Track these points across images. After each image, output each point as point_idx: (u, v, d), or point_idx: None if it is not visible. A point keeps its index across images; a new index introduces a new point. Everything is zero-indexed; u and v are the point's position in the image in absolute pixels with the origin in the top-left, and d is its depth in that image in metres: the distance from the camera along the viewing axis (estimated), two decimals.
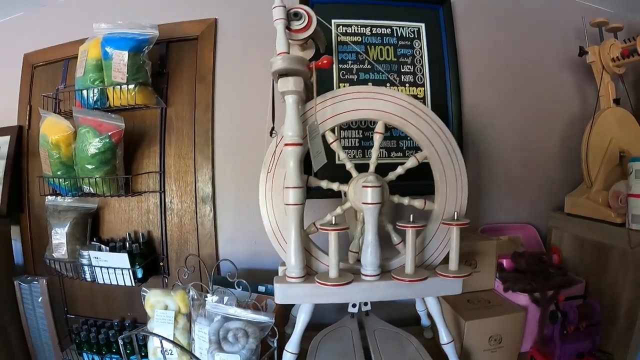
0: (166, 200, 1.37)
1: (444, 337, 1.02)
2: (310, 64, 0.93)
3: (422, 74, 1.39)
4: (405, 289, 0.95)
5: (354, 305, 1.19)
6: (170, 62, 1.36)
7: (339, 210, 1.02)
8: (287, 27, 0.97)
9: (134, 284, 1.28)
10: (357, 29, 1.38)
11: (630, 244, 1.11)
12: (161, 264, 1.38)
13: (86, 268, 1.29)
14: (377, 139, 1.02)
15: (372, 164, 1.02)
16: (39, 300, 1.33)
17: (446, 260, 0.99)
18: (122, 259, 1.26)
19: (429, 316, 1.23)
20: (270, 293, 1.15)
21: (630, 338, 1.10)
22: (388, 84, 1.38)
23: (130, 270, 1.27)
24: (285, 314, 1.22)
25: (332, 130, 1.01)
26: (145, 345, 1.17)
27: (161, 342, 1.01)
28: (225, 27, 1.37)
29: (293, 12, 0.98)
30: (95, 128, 1.21)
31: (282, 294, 0.94)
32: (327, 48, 1.26)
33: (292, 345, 1.00)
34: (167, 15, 1.36)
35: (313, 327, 1.20)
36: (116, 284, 1.29)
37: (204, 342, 1.03)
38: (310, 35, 1.03)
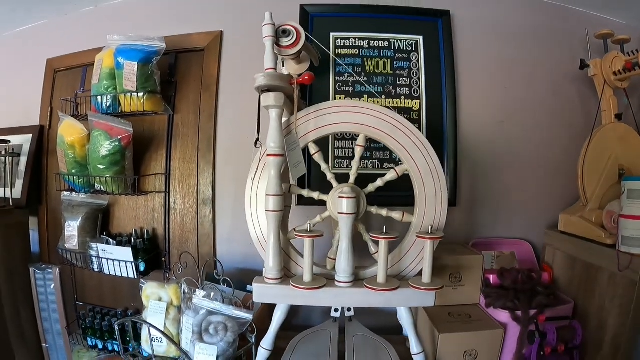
0: (170, 200, 1.47)
1: (414, 347, 1.06)
2: (292, 80, 0.98)
3: (419, 87, 1.43)
4: (376, 297, 0.99)
5: (336, 310, 1.23)
6: (178, 72, 1.47)
7: (318, 219, 1.08)
8: (277, 44, 1.03)
9: (136, 277, 1.37)
10: (355, 42, 1.44)
11: (619, 267, 1.09)
12: (163, 259, 1.47)
13: (94, 259, 1.41)
14: (358, 151, 1.07)
15: (352, 175, 1.07)
16: (52, 287, 1.46)
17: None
18: (126, 253, 1.37)
19: None
20: None
21: None
22: (383, 96, 1.41)
23: (133, 264, 1.37)
24: (270, 313, 1.27)
25: (315, 142, 1.05)
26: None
27: (149, 330, 1.10)
28: (229, 39, 1.46)
29: (282, 29, 1.04)
30: (107, 132, 1.32)
31: (259, 293, 1.01)
32: (321, 61, 1.31)
33: (266, 342, 1.06)
34: (177, 27, 1.47)
35: (300, 329, 1.26)
36: (120, 275, 1.39)
37: (190, 333, 1.11)
38: (300, 51, 1.09)
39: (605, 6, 1.55)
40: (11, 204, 1.48)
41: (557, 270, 1.39)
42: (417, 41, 1.45)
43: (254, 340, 1.10)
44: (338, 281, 1.00)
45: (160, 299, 1.22)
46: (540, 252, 1.48)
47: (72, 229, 1.41)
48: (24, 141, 1.56)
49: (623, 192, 1.13)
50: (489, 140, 1.48)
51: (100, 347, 1.43)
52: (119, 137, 1.32)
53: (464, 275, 1.28)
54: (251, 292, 1.29)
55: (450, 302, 1.28)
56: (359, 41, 1.43)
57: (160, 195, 1.47)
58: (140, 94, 1.32)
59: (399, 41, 1.45)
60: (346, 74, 1.40)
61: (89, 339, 1.44)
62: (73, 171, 1.38)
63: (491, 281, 1.29)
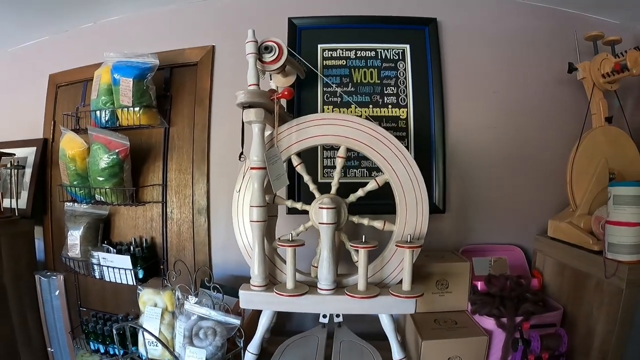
0: (167, 210, 1.55)
1: (395, 353, 1.10)
2: (272, 95, 1.03)
3: (406, 95, 1.47)
4: (356, 304, 1.04)
5: (324, 316, 1.28)
6: (173, 86, 1.55)
7: (301, 228, 1.12)
8: (260, 59, 1.08)
9: (135, 283, 1.44)
10: (342, 53, 1.49)
11: (605, 274, 1.10)
12: (161, 267, 1.53)
13: (96, 267, 1.48)
14: (339, 162, 1.12)
15: (334, 185, 1.12)
16: (56, 293, 1.54)
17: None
18: (125, 261, 1.44)
19: (399, 332, 1.29)
20: None
21: None
22: (370, 106, 1.45)
23: (132, 271, 1.44)
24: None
25: (298, 154, 1.10)
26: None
27: (143, 334, 1.16)
28: (221, 54, 1.53)
29: (264, 45, 1.10)
30: (106, 145, 1.40)
31: (245, 299, 1.07)
32: (308, 72, 1.36)
33: (252, 346, 1.12)
34: (171, 43, 1.55)
35: (292, 334, 1.31)
36: (121, 282, 1.46)
37: (182, 337, 1.17)
38: (284, 65, 1.14)
39: (596, 6, 1.55)
40: (17, 214, 1.57)
41: (547, 276, 1.40)
42: (403, 50, 1.49)
43: (242, 344, 1.15)
44: (320, 289, 1.05)
45: (155, 305, 1.29)
46: (532, 258, 1.48)
47: (74, 238, 1.49)
48: (28, 153, 1.66)
49: (609, 198, 1.14)
50: (478, 146, 1.51)
51: (102, 351, 1.50)
52: (117, 151, 1.39)
53: (451, 282, 1.31)
54: None
55: (436, 308, 1.31)
56: (346, 52, 1.48)
57: (158, 205, 1.54)
58: (137, 109, 1.39)
59: (385, 50, 1.49)
60: (334, 85, 1.44)
61: (91, 343, 1.52)
62: (75, 183, 1.46)
63: (478, 288, 1.31)
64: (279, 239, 1.11)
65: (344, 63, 1.47)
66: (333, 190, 1.12)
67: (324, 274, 1.04)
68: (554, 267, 1.37)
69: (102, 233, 1.56)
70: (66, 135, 1.45)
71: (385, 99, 1.46)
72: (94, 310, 1.58)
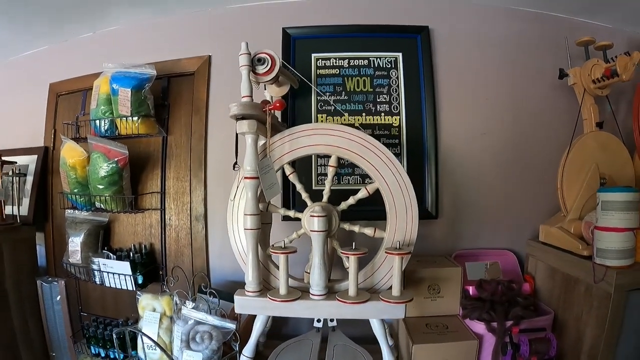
0: (166, 217, 1.61)
1: (386, 357, 1.14)
2: (264, 107, 1.08)
3: (398, 103, 1.52)
4: (347, 309, 1.09)
5: (318, 321, 1.32)
6: (171, 95, 1.61)
7: (294, 235, 1.17)
8: (254, 71, 1.13)
9: (134, 289, 1.49)
10: (336, 62, 1.54)
11: (594, 279, 1.14)
12: (160, 272, 1.58)
13: (96, 272, 1.54)
14: (331, 171, 1.17)
15: (325, 194, 1.17)
16: (58, 298, 1.60)
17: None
18: (125, 267, 1.50)
19: (392, 336, 1.33)
20: None
21: None
22: (363, 114, 1.49)
23: (132, 277, 1.49)
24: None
25: (290, 163, 1.15)
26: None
27: (142, 338, 1.21)
28: (217, 63, 1.59)
29: (257, 58, 1.15)
30: (105, 154, 1.45)
31: (240, 305, 1.12)
32: (303, 82, 1.41)
33: (247, 350, 1.17)
34: (169, 53, 1.61)
35: (289, 338, 1.35)
36: (120, 287, 1.51)
37: (179, 341, 1.22)
38: (277, 76, 1.18)
39: (588, 11, 1.59)
40: (18, 221, 1.64)
41: (539, 280, 1.44)
42: (396, 58, 1.54)
43: (237, 348, 1.20)
44: (312, 294, 1.10)
45: (154, 310, 1.35)
46: (524, 263, 1.52)
47: (75, 244, 1.55)
48: (29, 161, 1.73)
49: (598, 203, 1.18)
50: (471, 152, 1.56)
51: (103, 355, 1.55)
52: (116, 159, 1.45)
53: (443, 286, 1.35)
54: None
55: (429, 313, 1.35)
56: (339, 61, 1.53)
57: (157, 212, 1.60)
58: (135, 118, 1.45)
59: (378, 59, 1.54)
60: (327, 94, 1.49)
61: (92, 347, 1.57)
62: (75, 190, 1.52)
63: (470, 292, 1.35)
64: (273, 246, 1.15)
65: (337, 72, 1.52)
66: (325, 198, 1.16)
67: (316, 279, 1.08)
68: (545, 271, 1.42)
69: (102, 239, 1.62)
70: (67, 144, 1.51)
71: (378, 107, 1.51)
72: (95, 315, 1.64)
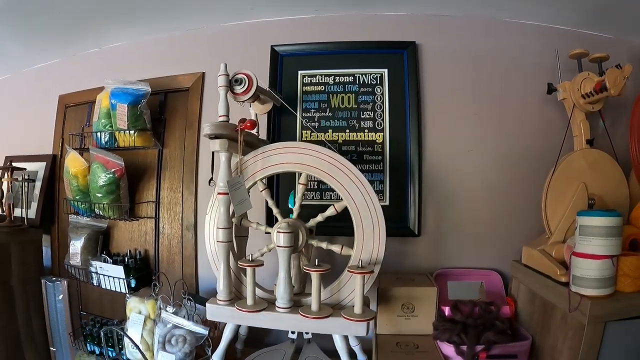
0: (159, 225, 1.75)
1: None
2: (236, 127, 1.17)
3: (382, 119, 1.59)
4: (309, 323, 1.16)
5: (293, 332, 1.40)
6: (167, 110, 1.77)
7: (265, 249, 1.26)
8: (232, 91, 1.23)
9: (127, 292, 1.62)
10: (321, 79, 1.64)
11: (569, 307, 1.12)
12: (153, 277, 1.71)
13: (94, 275, 1.69)
14: (300, 189, 1.25)
15: (295, 210, 1.26)
16: (60, 297, 1.77)
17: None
18: (119, 271, 1.63)
19: (364, 352, 1.39)
20: None
21: None
22: (347, 130, 1.57)
23: (125, 280, 1.62)
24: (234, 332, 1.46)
25: (262, 180, 1.23)
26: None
27: (123, 338, 1.34)
28: (210, 80, 1.72)
29: (234, 78, 1.25)
30: (104, 164, 1.60)
31: (211, 312, 1.23)
32: (289, 98, 1.51)
33: (217, 356, 1.29)
34: (167, 69, 1.76)
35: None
36: (115, 290, 1.64)
37: (157, 342, 1.33)
38: (257, 95, 1.28)
39: (586, 23, 1.59)
40: (26, 224, 1.82)
41: (521, 304, 1.44)
42: (381, 74, 1.61)
43: (210, 353, 1.30)
44: (277, 306, 1.17)
45: (140, 312, 1.47)
46: (509, 284, 1.53)
47: (75, 247, 1.71)
48: (39, 168, 1.92)
49: (576, 227, 1.15)
50: (457, 169, 1.60)
51: (97, 352, 1.70)
52: (113, 170, 1.60)
53: (417, 305, 1.39)
54: None
55: (402, 331, 1.40)
56: (325, 77, 1.62)
57: (151, 221, 1.75)
58: (132, 132, 1.58)
59: (363, 75, 1.62)
60: (312, 110, 1.57)
61: (88, 345, 1.72)
62: (77, 197, 1.68)
63: (446, 313, 1.37)
64: (244, 258, 1.25)
65: (323, 89, 1.61)
66: (294, 215, 1.25)
67: (281, 293, 1.17)
68: (526, 295, 1.41)
69: (101, 244, 1.78)
70: (70, 154, 1.67)
71: (362, 123, 1.59)
72: (93, 315, 1.79)
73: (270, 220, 1.56)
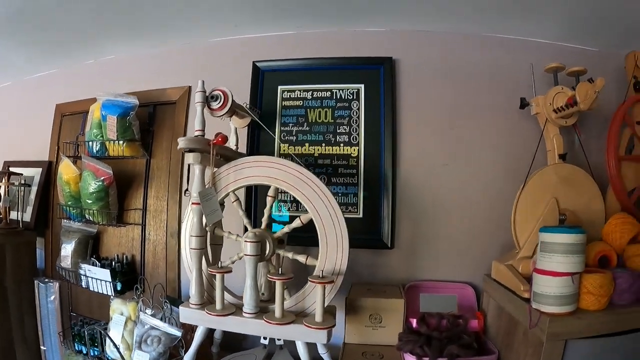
0: (146, 232, 1.89)
1: None
2: (209, 141, 1.30)
3: (358, 134, 1.72)
4: (272, 329, 1.27)
5: (265, 338, 1.51)
6: (156, 122, 1.93)
7: (235, 257, 1.38)
8: (209, 106, 1.36)
9: (113, 294, 1.76)
10: (300, 94, 1.77)
11: (529, 324, 1.17)
12: (139, 281, 1.85)
13: (83, 277, 1.83)
14: (269, 201, 1.37)
15: (264, 221, 1.38)
16: (52, 298, 1.92)
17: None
18: (106, 274, 1.78)
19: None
20: None
21: None
22: (323, 144, 1.69)
23: (112, 283, 1.76)
24: (210, 335, 1.58)
25: (234, 192, 1.36)
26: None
27: (104, 337, 1.48)
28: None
29: (210, 95, 1.38)
30: (94, 172, 1.76)
31: (183, 315, 1.36)
32: (268, 113, 1.63)
33: (188, 357, 1.41)
34: (157, 82, 1.93)
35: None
36: (102, 292, 1.79)
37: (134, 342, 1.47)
38: (232, 110, 1.41)
39: (566, 36, 1.68)
40: (21, 226, 1.99)
41: (490, 318, 1.52)
42: (358, 90, 1.74)
43: (183, 353, 1.42)
44: (244, 312, 1.29)
45: (122, 314, 1.61)
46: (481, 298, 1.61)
47: (67, 250, 1.87)
48: (35, 173, 2.10)
49: (538, 243, 1.21)
50: (432, 183, 1.70)
51: (84, 352, 1.84)
52: (103, 178, 1.75)
53: (385, 317, 1.49)
54: None
55: (369, 341, 1.50)
56: (304, 92, 1.76)
57: (138, 227, 1.91)
58: (121, 142, 1.73)
59: (340, 91, 1.76)
60: (290, 124, 1.69)
61: (76, 344, 1.86)
62: (69, 203, 1.84)
63: (413, 325, 1.46)
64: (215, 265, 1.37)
65: (301, 103, 1.75)
66: (263, 225, 1.37)
67: (247, 299, 1.29)
68: (495, 309, 1.48)
69: (91, 248, 1.94)
70: (64, 161, 1.84)
71: (338, 137, 1.72)
72: (82, 316, 1.94)
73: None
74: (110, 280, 1.78)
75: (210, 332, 1.58)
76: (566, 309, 1.13)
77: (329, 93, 1.73)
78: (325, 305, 1.26)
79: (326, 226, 1.29)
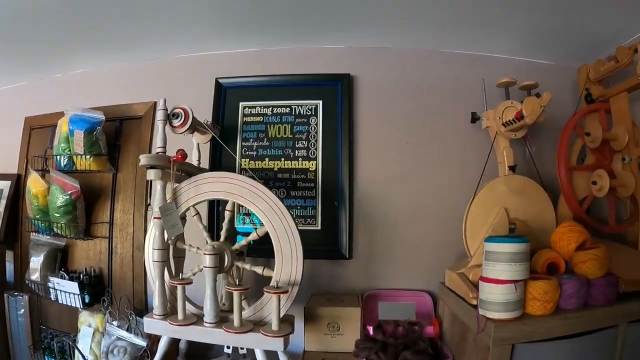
0: (113, 245, 2.01)
1: None
2: (170, 158, 1.42)
3: (316, 149, 1.86)
4: (231, 338, 1.40)
5: (228, 347, 1.63)
6: (122, 136, 2.05)
7: (196, 269, 1.50)
8: (170, 124, 1.48)
9: (81, 307, 1.87)
10: (260, 110, 1.92)
11: (477, 329, 1.28)
12: (106, 293, 1.97)
13: (51, 290, 1.94)
14: (227, 215, 1.51)
15: (223, 234, 1.50)
16: (21, 312, 2.03)
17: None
18: (73, 287, 1.89)
19: None
20: None
21: None
22: (282, 159, 1.84)
23: (80, 296, 1.88)
24: (176, 345, 1.69)
25: (195, 206, 1.48)
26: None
27: (75, 349, 1.59)
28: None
29: (172, 113, 1.50)
30: (62, 186, 1.87)
31: (147, 325, 1.50)
32: (230, 128, 1.77)
33: None
34: (124, 97, 2.06)
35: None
36: (70, 305, 1.90)
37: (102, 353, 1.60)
38: (192, 127, 1.54)
39: (522, 50, 1.84)
40: None
41: (446, 324, 1.66)
42: (316, 106, 1.89)
43: None
44: (205, 322, 1.41)
45: (90, 325, 1.73)
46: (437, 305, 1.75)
47: (35, 263, 1.98)
48: (4, 186, 2.21)
49: (484, 252, 1.32)
50: (389, 195, 1.86)
51: None
52: (70, 192, 1.87)
53: (342, 325, 1.63)
54: None
55: (328, 349, 1.63)
56: (264, 109, 1.91)
57: (105, 240, 2.03)
58: (88, 156, 1.85)
59: (299, 107, 1.91)
60: (251, 140, 1.83)
61: (47, 357, 1.97)
62: (37, 216, 1.95)
63: (370, 332, 1.59)
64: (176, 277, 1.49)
65: (261, 119, 1.90)
66: (222, 238, 1.50)
67: (207, 309, 1.42)
68: (449, 316, 1.61)
69: (59, 261, 2.05)
70: (32, 175, 1.96)
71: (297, 152, 1.87)
72: (52, 329, 2.05)
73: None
74: (79, 292, 1.89)
75: (175, 342, 1.71)
76: (511, 314, 1.23)
77: (288, 109, 1.88)
78: (282, 314, 1.39)
79: (281, 238, 1.42)
